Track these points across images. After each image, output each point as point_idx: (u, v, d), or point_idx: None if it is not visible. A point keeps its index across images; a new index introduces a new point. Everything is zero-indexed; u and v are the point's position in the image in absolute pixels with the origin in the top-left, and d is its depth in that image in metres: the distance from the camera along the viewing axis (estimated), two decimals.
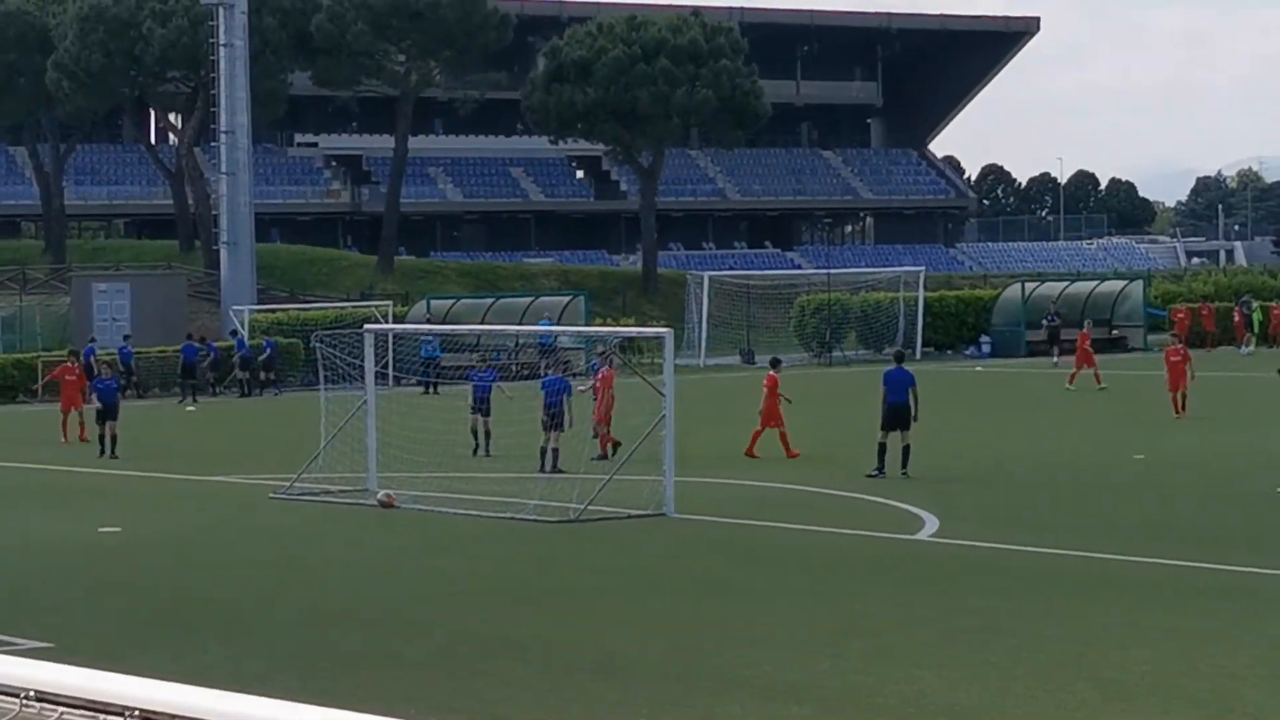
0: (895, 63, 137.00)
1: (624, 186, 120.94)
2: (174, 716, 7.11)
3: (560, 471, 34.43)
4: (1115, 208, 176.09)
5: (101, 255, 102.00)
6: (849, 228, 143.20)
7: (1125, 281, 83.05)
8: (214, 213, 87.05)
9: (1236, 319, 75.66)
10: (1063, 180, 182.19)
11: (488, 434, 39.13)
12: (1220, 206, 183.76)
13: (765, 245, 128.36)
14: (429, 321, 66.85)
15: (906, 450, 33.56)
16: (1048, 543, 25.37)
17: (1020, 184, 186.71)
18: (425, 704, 16.21)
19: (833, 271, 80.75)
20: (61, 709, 7.31)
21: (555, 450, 35.61)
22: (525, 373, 49.66)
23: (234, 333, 67.45)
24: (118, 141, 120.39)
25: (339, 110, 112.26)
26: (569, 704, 16.44)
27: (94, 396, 43.10)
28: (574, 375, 44.06)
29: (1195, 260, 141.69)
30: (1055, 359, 68.91)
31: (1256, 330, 75.19)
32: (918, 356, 70.84)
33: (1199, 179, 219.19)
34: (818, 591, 22.36)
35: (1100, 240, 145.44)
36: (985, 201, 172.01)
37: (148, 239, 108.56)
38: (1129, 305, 78.50)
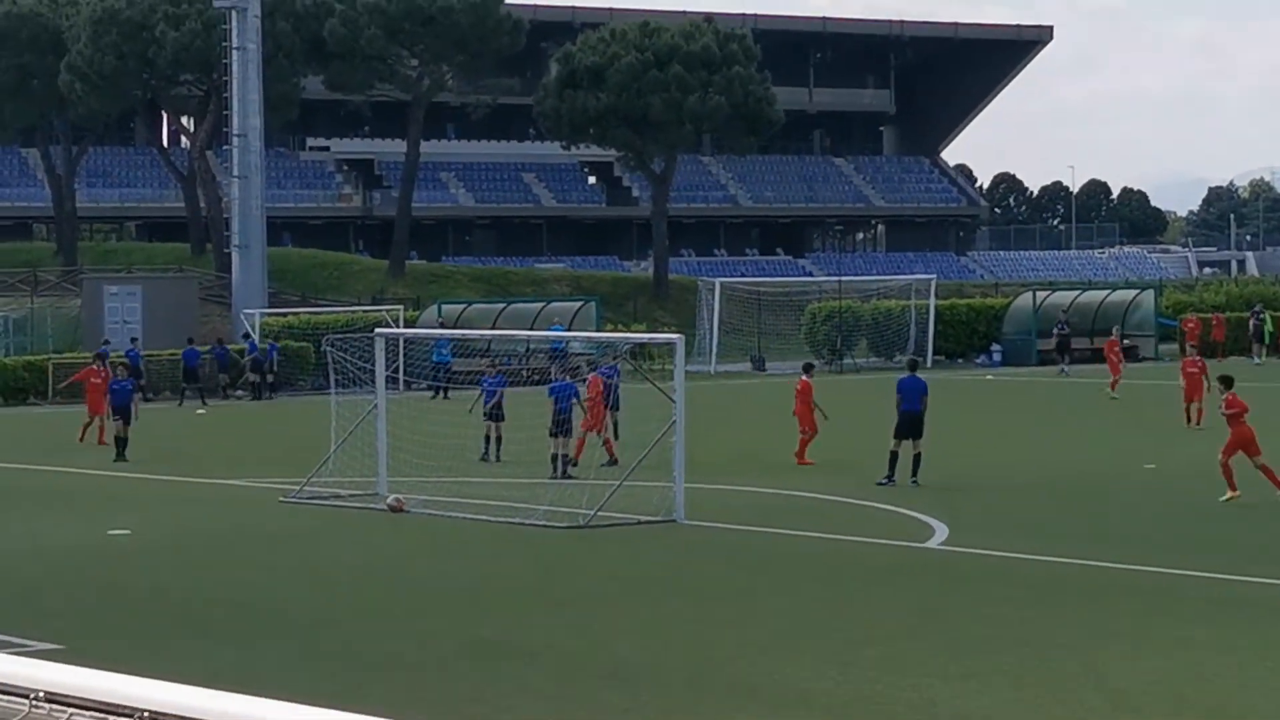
0: (908, 71, 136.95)
1: (636, 192, 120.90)
2: (183, 718, 7.10)
3: (570, 477, 34.42)
4: (1127, 217, 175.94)
5: (113, 258, 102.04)
6: (860, 235, 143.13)
7: (1137, 291, 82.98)
8: (226, 216, 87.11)
9: (1252, 329, 75.58)
10: (1074, 189, 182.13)
11: (499, 439, 39.08)
12: (1232, 216, 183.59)
13: (777, 252, 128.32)
14: (441, 326, 66.85)
15: (918, 459, 33.52)
16: (1057, 551, 25.32)
17: (1032, 193, 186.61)
18: (435, 708, 16.20)
19: (844, 279, 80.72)
20: (71, 710, 7.30)
21: (565, 455, 35.60)
22: (536, 378, 49.58)
23: (245, 336, 67.46)
24: (130, 144, 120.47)
25: (351, 114, 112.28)
26: (578, 710, 16.43)
27: (106, 399, 43.07)
28: (583, 380, 44.07)
29: (1207, 270, 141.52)
30: (1061, 368, 68.84)
31: (1268, 340, 75.10)
32: (928, 364, 70.79)
33: (1211, 189, 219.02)
34: (827, 599, 22.34)
35: (1112, 249, 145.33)
36: (997, 210, 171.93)
37: (159, 242, 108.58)
38: (1140, 315, 78.44)
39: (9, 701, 7.41)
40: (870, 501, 31.45)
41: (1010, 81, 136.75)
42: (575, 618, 21.15)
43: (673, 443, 29.58)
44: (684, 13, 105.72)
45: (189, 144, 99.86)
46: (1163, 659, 18.15)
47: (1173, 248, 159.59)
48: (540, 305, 77.26)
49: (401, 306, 73.70)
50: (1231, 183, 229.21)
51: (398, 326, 64.29)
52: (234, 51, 79.21)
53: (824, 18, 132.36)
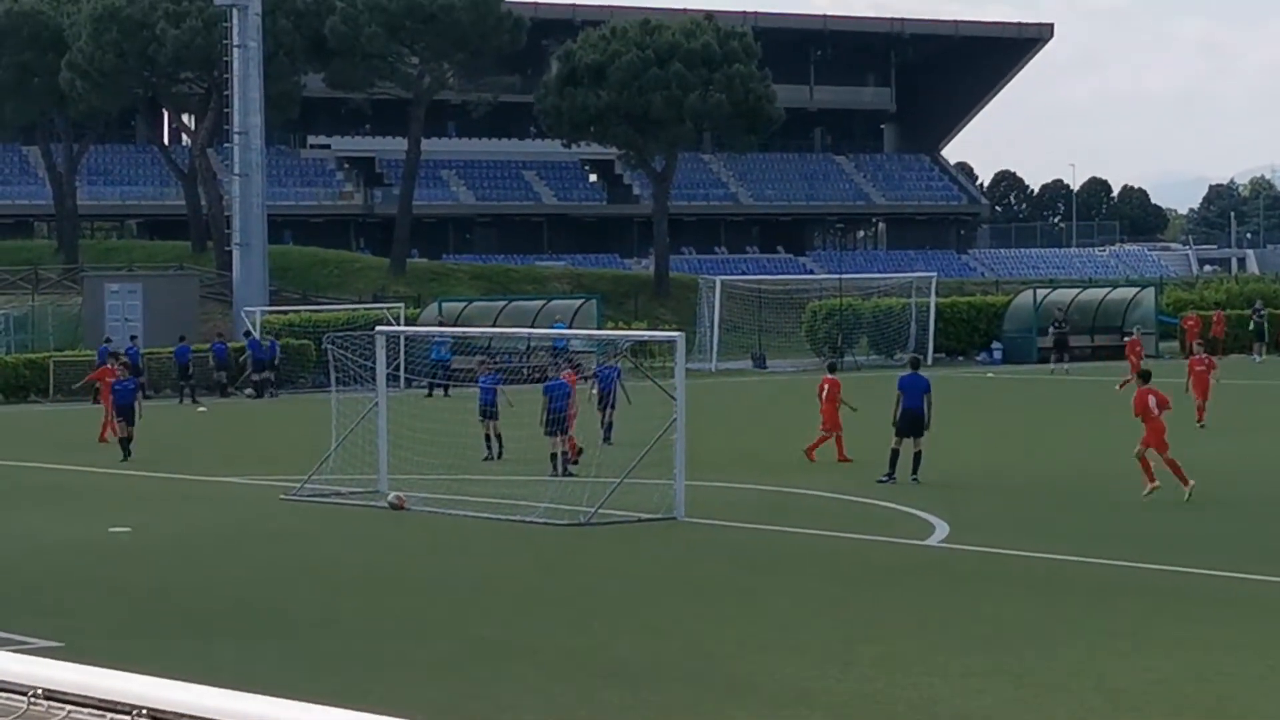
0: (908, 68, 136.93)
1: (636, 190, 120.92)
2: (182, 715, 7.10)
3: (570, 474, 34.42)
4: (1128, 215, 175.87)
5: (114, 256, 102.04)
6: (861, 233, 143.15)
7: (1137, 289, 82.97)
8: (226, 214, 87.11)
9: (1252, 327, 75.56)
10: (1075, 187, 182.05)
11: (498, 436, 39.00)
12: (1233, 214, 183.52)
13: (777, 250, 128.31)
14: (440, 324, 66.85)
15: (918, 457, 33.51)
16: (1058, 549, 25.31)
17: (1033, 190, 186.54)
18: (435, 706, 16.20)
19: (845, 277, 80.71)
20: (70, 707, 7.30)
21: (565, 453, 35.58)
22: (537, 376, 49.59)
23: (247, 333, 67.44)
24: (131, 142, 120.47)
25: (352, 112, 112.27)
26: (579, 708, 16.43)
27: (110, 398, 42.91)
28: (585, 378, 44.07)
29: (1207, 268, 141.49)
30: (1053, 365, 68.78)
31: (1266, 338, 75.09)
32: (929, 362, 70.78)
33: (1211, 187, 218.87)
34: (828, 597, 22.33)
35: (1112, 247, 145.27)
36: (998, 208, 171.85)
37: (160, 240, 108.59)
38: (1141, 312, 78.41)
39: (7, 699, 7.40)
40: (871, 499, 31.44)
41: (1011, 80, 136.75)
42: (575, 616, 21.14)
43: (673, 440, 29.58)
44: (684, 10, 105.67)
45: (190, 142, 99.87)
46: (1163, 658, 18.14)
47: (1173, 246, 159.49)
48: (541, 303, 77.25)
49: (402, 304, 73.68)
50: (1232, 180, 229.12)
51: (398, 324, 64.26)
52: (235, 49, 79.19)
53: (825, 15, 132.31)
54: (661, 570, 24.79)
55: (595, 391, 42.06)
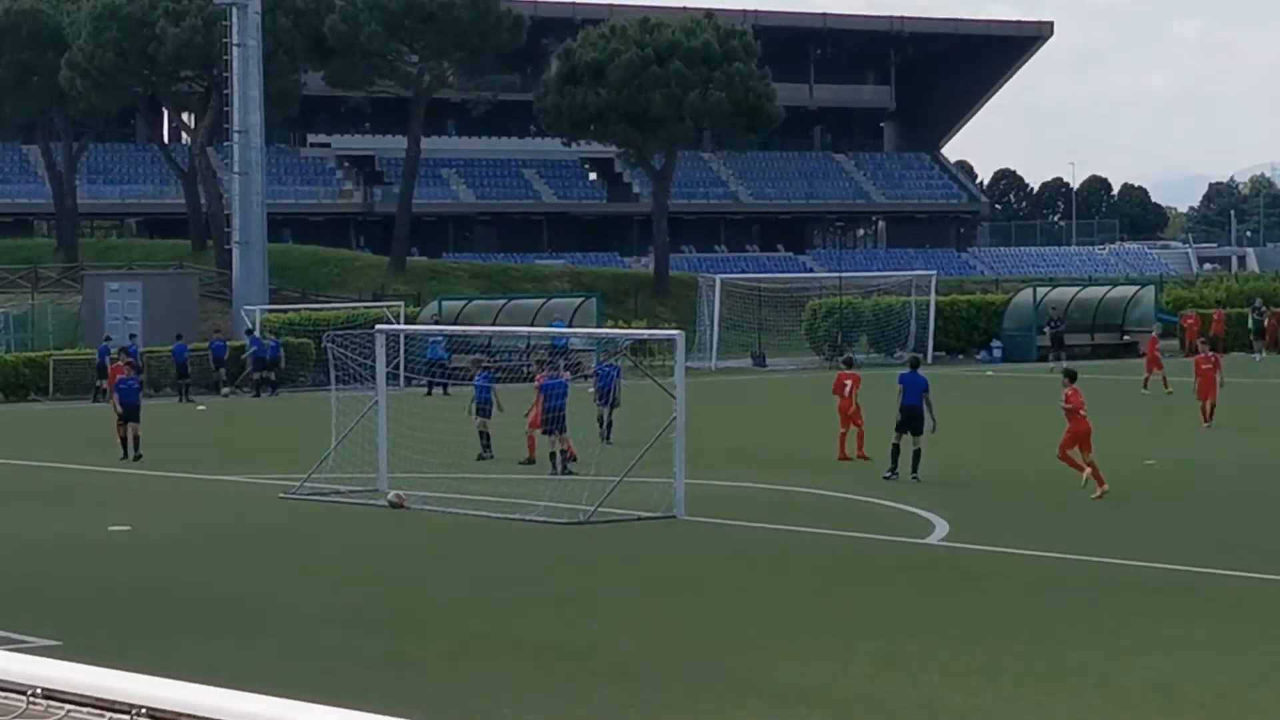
0: (908, 67, 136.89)
1: (636, 189, 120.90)
2: (181, 714, 7.09)
3: (570, 473, 34.41)
4: (1127, 213, 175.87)
5: (113, 254, 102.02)
6: (861, 231, 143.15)
7: (1137, 287, 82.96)
8: (226, 212, 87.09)
9: (1252, 325, 75.55)
10: (1075, 185, 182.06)
11: (486, 434, 38.88)
12: (1233, 212, 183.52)
13: (777, 248, 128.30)
14: (436, 323, 66.83)
15: (918, 454, 33.54)
16: (1058, 547, 25.30)
17: (1033, 189, 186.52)
18: (435, 705, 16.19)
19: (844, 275, 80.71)
20: (68, 706, 7.29)
21: (564, 452, 35.58)
22: (528, 375, 49.59)
23: (249, 332, 67.40)
24: (130, 140, 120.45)
25: (352, 111, 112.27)
26: (579, 706, 16.42)
27: (115, 397, 42.72)
28: (585, 377, 44.09)
29: (1207, 266, 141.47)
30: (1051, 365, 68.73)
31: (1263, 337, 75.14)
32: (929, 360, 70.80)
33: (1211, 185, 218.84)
34: (827, 595, 22.33)
35: (1112, 245, 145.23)
36: (997, 206, 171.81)
37: (160, 238, 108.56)
38: (1140, 310, 78.41)
39: (6, 698, 7.39)
40: (870, 497, 31.44)
41: (1011, 78, 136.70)
42: (576, 614, 21.14)
43: (673, 439, 29.58)
44: (684, 9, 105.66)
45: (190, 140, 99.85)
46: (1163, 656, 18.14)
47: (1173, 244, 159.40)
48: (541, 301, 77.25)
49: (402, 303, 73.68)
50: (1232, 179, 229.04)
51: (398, 323, 64.26)
52: (234, 48, 79.19)
53: (824, 14, 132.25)
54: (661, 569, 24.79)
55: (594, 390, 42.06)
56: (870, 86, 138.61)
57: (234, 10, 78.91)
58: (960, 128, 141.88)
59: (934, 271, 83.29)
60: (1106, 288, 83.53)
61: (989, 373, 68.99)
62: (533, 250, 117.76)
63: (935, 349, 75.10)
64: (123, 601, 22.59)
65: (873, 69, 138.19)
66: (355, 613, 21.42)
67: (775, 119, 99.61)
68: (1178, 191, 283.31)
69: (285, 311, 72.98)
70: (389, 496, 31.44)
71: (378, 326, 38.59)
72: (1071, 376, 32.74)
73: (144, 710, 7.14)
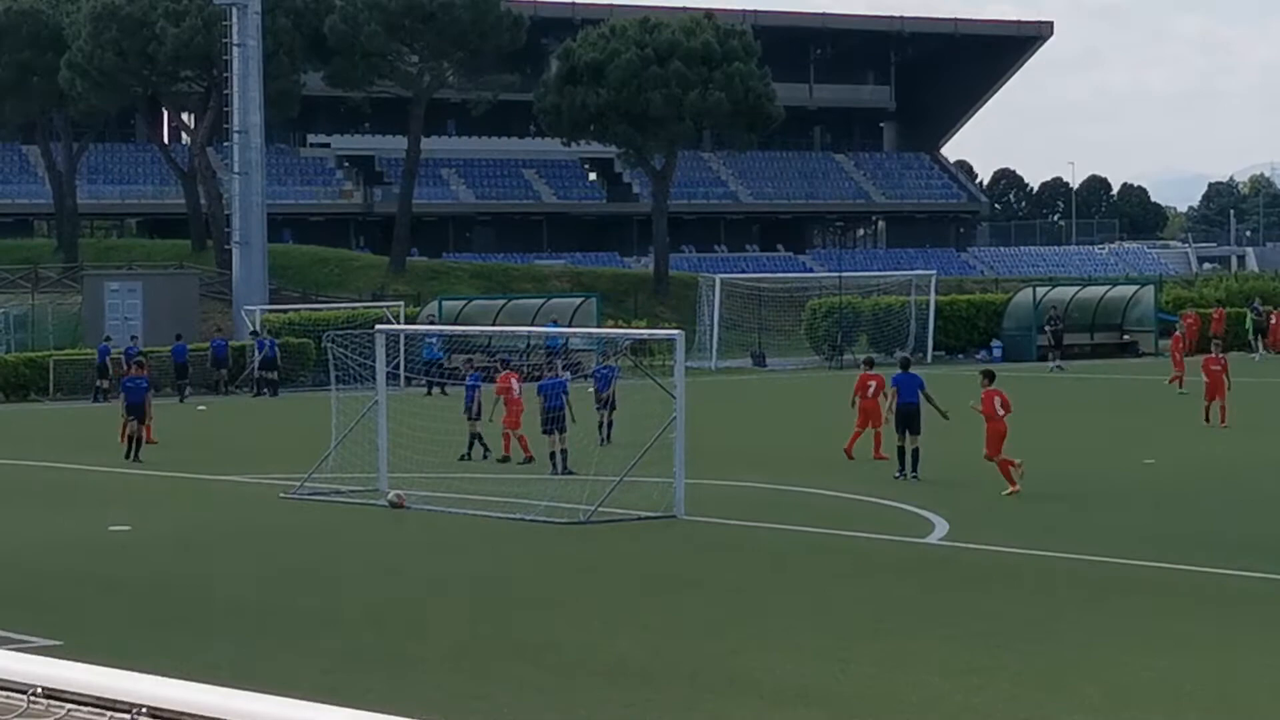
0: (908, 66, 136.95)
1: (636, 189, 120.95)
2: (181, 714, 7.09)
3: (571, 472, 34.40)
4: (1127, 213, 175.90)
5: (114, 254, 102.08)
6: (861, 231, 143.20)
7: (1137, 286, 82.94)
8: (226, 212, 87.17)
9: (1251, 325, 75.52)
10: (1075, 185, 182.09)
11: (476, 436, 38.85)
12: (1232, 212, 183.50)
13: (777, 248, 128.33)
14: (432, 323, 66.84)
15: (916, 454, 33.58)
16: (1057, 546, 25.30)
17: (1032, 188, 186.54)
18: (435, 705, 16.19)
19: (844, 275, 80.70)
20: (69, 706, 7.30)
21: (564, 451, 35.57)
22: (536, 374, 49.59)
23: (253, 333, 67.39)
24: (130, 141, 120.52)
25: (352, 111, 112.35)
26: (579, 706, 16.42)
27: (121, 396, 42.59)
28: (584, 376, 44.08)
29: (1207, 266, 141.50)
30: (1050, 365, 68.70)
31: (1268, 336, 75.10)
32: (928, 360, 70.82)
33: (1211, 184, 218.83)
34: (827, 594, 22.33)
35: (1112, 245, 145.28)
36: (997, 206, 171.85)
37: (160, 238, 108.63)
38: (1140, 310, 78.42)
39: (7, 697, 7.40)
40: (870, 497, 31.44)
41: (1011, 77, 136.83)
42: (576, 613, 21.14)
43: (673, 439, 29.58)
44: (684, 9, 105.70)
45: (189, 140, 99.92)
46: (1163, 655, 18.14)
47: (1173, 243, 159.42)
48: (541, 301, 77.26)
49: (402, 303, 73.71)
50: (1231, 178, 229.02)
51: (398, 323, 64.25)
52: (234, 48, 79.23)
53: (824, 14, 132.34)
54: (661, 568, 24.78)
55: (593, 392, 42.05)
56: (870, 86, 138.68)
57: (234, 10, 78.95)
58: (960, 128, 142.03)
59: (934, 271, 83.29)
60: (1106, 287, 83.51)
61: None
62: (533, 250, 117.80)
63: (935, 349, 75.11)
64: (123, 601, 22.59)
65: (872, 69, 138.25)
66: (355, 612, 21.41)
67: (775, 119, 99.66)
68: (1177, 191, 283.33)
69: (285, 311, 73.00)
70: (389, 496, 31.44)
71: (377, 326, 38.57)
72: (989, 378, 32.71)
73: (145, 709, 7.15)
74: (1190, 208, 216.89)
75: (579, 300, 76.83)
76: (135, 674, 7.43)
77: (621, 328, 68.07)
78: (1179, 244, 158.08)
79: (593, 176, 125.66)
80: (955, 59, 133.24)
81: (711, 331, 75.68)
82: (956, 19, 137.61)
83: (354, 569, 25.00)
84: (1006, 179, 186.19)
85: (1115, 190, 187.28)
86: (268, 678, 16.47)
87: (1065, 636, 19.11)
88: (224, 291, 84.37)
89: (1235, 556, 24.26)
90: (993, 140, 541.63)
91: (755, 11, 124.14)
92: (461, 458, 38.01)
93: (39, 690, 7.40)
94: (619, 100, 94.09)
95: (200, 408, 58.22)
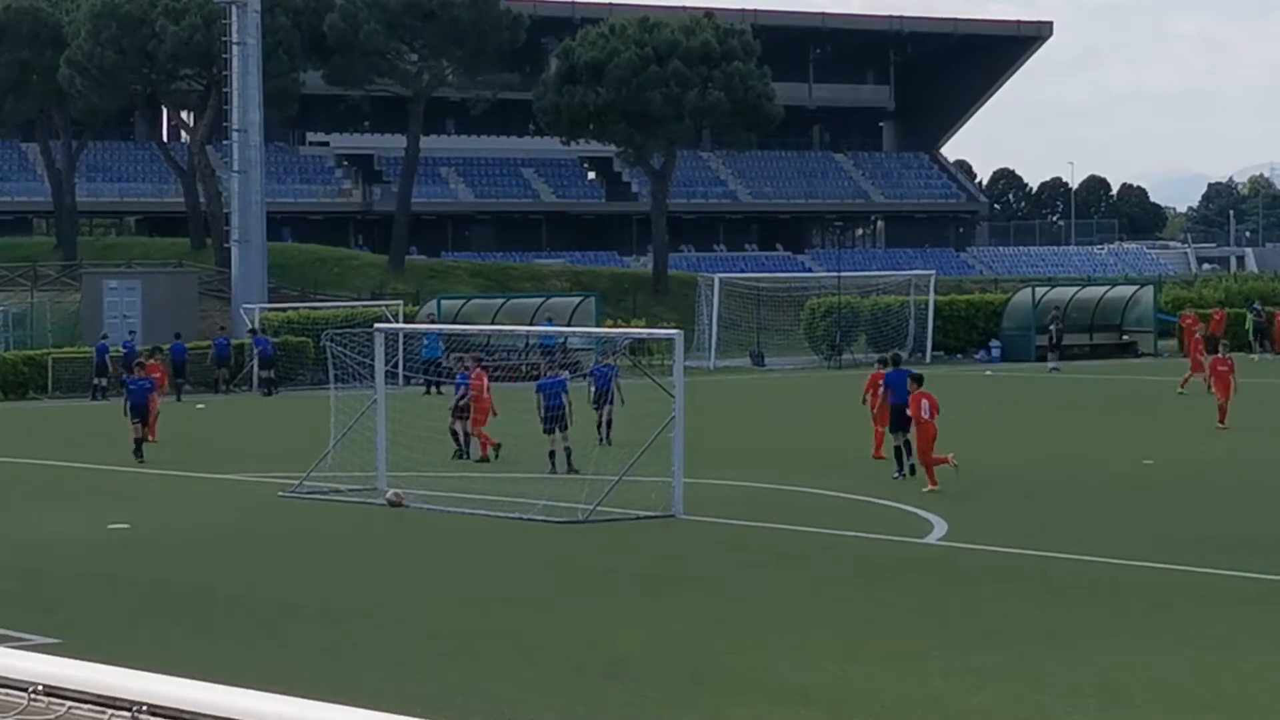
0: (907, 66, 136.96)
1: (635, 188, 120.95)
2: (181, 712, 7.09)
3: (574, 470, 34.36)
4: (1126, 213, 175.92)
5: (112, 252, 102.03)
6: (860, 231, 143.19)
7: (1136, 287, 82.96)
8: (225, 211, 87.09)
9: (1250, 325, 75.53)
10: (1074, 185, 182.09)
11: (465, 435, 38.85)
12: (1232, 212, 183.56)
13: (776, 248, 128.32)
14: (431, 322, 66.84)
15: (909, 447, 33.56)
16: (1057, 547, 25.29)
17: (1031, 189, 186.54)
18: (434, 704, 16.18)
19: (843, 274, 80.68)
20: (70, 703, 7.29)
21: (568, 449, 35.54)
22: (535, 374, 49.57)
23: (252, 331, 67.37)
24: (130, 139, 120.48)
25: (351, 109, 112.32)
26: (578, 705, 16.42)
27: (124, 397, 42.45)
28: (583, 376, 44.06)
29: (1206, 266, 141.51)
30: (1050, 365, 68.68)
31: (1258, 336, 75.10)
32: (927, 360, 70.82)
33: (1210, 185, 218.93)
34: (826, 594, 22.33)
35: (1111, 245, 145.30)
36: (996, 206, 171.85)
37: (159, 236, 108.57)
38: (1139, 310, 78.44)
39: (7, 695, 7.40)
40: (870, 497, 31.44)
41: (1010, 77, 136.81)
42: (575, 613, 21.14)
43: (672, 438, 29.57)
44: (683, 8, 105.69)
45: (189, 139, 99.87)
46: (1162, 654, 18.14)
47: (1172, 244, 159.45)
48: (540, 300, 77.26)
49: (401, 302, 73.69)
50: (1231, 179, 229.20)
51: (397, 322, 64.24)
52: (234, 46, 79.18)
53: (823, 13, 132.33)
54: (660, 567, 24.78)
55: (591, 392, 42.00)
56: (869, 86, 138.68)
57: (233, 9, 78.89)
58: (959, 127, 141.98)
59: (933, 271, 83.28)
60: (1105, 288, 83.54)
61: (988, 372, 68.97)
62: (532, 249, 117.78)
63: (934, 349, 75.11)
64: (123, 599, 22.59)
65: (872, 69, 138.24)
66: (355, 612, 21.40)
67: (774, 118, 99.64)
68: (1177, 191, 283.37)
69: (284, 310, 73.00)
70: (387, 495, 31.43)
71: (376, 325, 38.56)
72: (918, 381, 32.70)
73: (145, 707, 7.15)
74: (1190, 208, 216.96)
75: (578, 299, 76.82)
76: (135, 672, 7.43)
77: (620, 327, 68.04)
78: (1178, 244, 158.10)
79: (592, 176, 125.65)
80: (955, 59, 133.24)
81: (710, 331, 75.67)
82: (956, 19, 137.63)
83: (352, 568, 24.99)
84: (1006, 179, 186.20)
85: (1115, 190, 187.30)
86: (267, 675, 16.46)
87: (1065, 636, 19.10)
88: (223, 290, 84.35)
89: (1235, 556, 24.26)
90: (992, 140, 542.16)
91: (755, 11, 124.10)
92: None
93: (40, 688, 7.40)
94: (618, 99, 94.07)
95: (199, 406, 58.20)
